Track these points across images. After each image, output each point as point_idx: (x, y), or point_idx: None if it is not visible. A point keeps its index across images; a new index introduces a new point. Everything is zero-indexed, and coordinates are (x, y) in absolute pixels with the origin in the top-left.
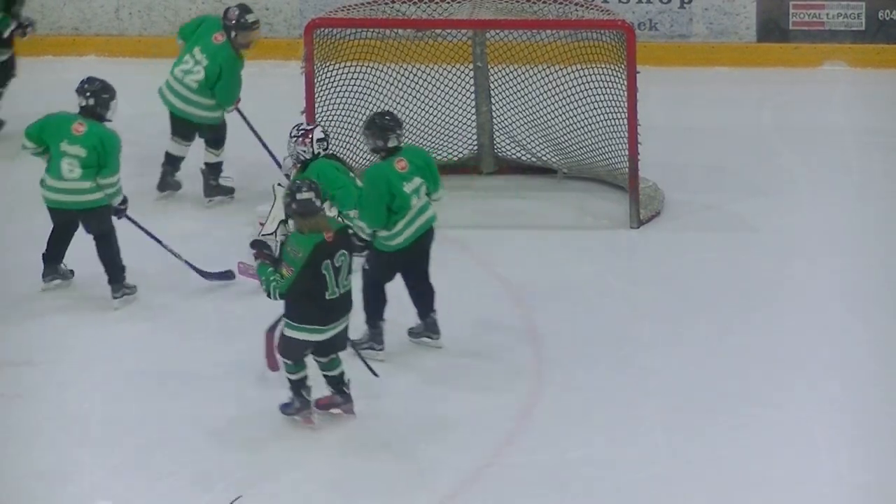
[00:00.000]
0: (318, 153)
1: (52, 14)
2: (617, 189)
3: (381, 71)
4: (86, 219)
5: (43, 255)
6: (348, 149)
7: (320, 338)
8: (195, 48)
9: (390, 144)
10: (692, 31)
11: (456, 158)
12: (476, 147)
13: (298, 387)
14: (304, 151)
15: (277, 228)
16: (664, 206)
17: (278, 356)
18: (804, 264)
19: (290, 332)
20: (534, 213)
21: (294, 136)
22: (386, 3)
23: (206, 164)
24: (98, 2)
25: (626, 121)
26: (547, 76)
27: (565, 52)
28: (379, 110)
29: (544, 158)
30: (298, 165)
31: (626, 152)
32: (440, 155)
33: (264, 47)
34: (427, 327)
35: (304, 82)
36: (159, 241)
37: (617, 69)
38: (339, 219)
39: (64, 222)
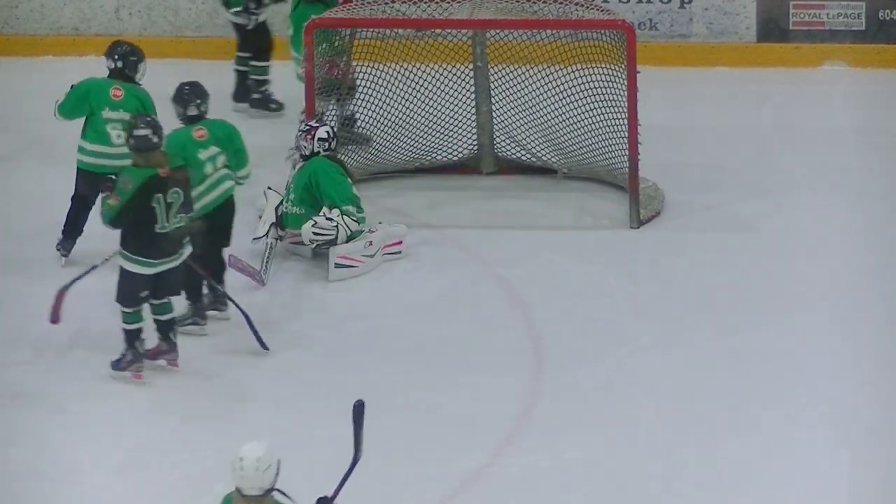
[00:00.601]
0: (318, 151)
1: (52, 14)
2: (617, 189)
3: (381, 71)
4: None
5: (63, 229)
6: (349, 148)
7: (150, 271)
8: None
9: (189, 113)
10: (692, 31)
11: (456, 158)
12: (476, 147)
13: (133, 338)
14: (305, 147)
15: (269, 230)
16: (664, 206)
17: (118, 305)
18: (804, 264)
19: (124, 264)
20: (534, 213)
21: (301, 131)
22: (386, 3)
23: (339, 117)
24: (98, 2)
25: (626, 121)
26: (547, 76)
27: (565, 52)
28: (186, 81)
29: (544, 158)
30: (301, 159)
31: (626, 152)
32: (440, 155)
33: None
34: (216, 298)
35: (304, 82)
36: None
37: (617, 69)
38: (335, 214)
39: (90, 191)
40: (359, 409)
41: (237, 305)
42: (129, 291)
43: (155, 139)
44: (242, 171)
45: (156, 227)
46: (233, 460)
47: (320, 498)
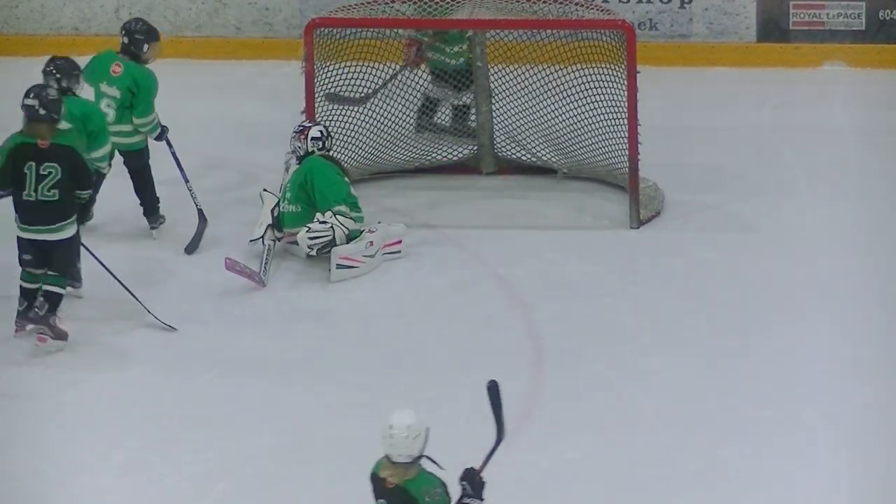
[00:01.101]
0: (312, 150)
1: (52, 14)
2: (617, 189)
3: (381, 71)
4: (124, 157)
5: None
6: (348, 148)
7: (24, 235)
8: None
9: (63, 85)
10: (692, 31)
11: (456, 158)
12: (476, 147)
13: (21, 294)
14: (300, 147)
15: (265, 233)
16: (664, 206)
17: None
18: (804, 264)
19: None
20: (534, 213)
21: (294, 132)
22: (386, 3)
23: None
24: (98, 2)
25: (626, 121)
26: (547, 76)
27: (565, 52)
28: (57, 56)
29: (544, 158)
30: (296, 160)
31: (626, 152)
32: (440, 155)
33: (264, 47)
34: (70, 276)
35: (304, 82)
36: (185, 177)
37: (617, 69)
38: (328, 217)
39: None
40: (493, 390)
41: (129, 290)
42: (19, 250)
43: (42, 111)
44: (96, 153)
45: (23, 194)
46: (383, 428)
47: (468, 468)
